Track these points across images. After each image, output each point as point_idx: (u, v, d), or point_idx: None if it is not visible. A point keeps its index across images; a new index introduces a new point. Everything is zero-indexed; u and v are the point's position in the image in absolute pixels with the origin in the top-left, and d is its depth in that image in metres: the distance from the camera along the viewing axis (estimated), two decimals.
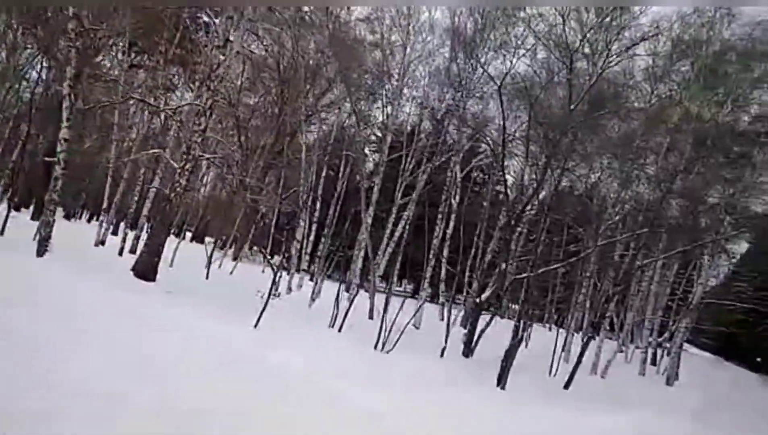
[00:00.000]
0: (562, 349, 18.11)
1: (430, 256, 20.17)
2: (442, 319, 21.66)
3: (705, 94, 20.37)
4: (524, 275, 13.63)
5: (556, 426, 7.50)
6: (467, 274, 20.74)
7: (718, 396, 20.33)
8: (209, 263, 20.67)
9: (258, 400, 5.78)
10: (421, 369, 10.39)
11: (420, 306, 14.47)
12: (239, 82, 25.90)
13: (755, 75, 21.38)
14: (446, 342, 13.59)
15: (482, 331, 14.68)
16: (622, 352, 28.62)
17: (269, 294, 11.02)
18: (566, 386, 13.03)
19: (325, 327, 13.46)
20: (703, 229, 19.04)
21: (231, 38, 12.56)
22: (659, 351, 27.93)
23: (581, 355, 13.43)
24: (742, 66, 21.03)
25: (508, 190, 16.30)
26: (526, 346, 23.07)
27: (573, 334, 21.07)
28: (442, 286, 24.35)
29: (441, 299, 25.38)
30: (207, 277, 19.67)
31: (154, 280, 13.55)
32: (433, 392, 8.22)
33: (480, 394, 9.30)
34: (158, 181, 20.01)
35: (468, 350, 14.52)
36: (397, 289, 33.74)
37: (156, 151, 15.63)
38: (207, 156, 14.01)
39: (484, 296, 14.46)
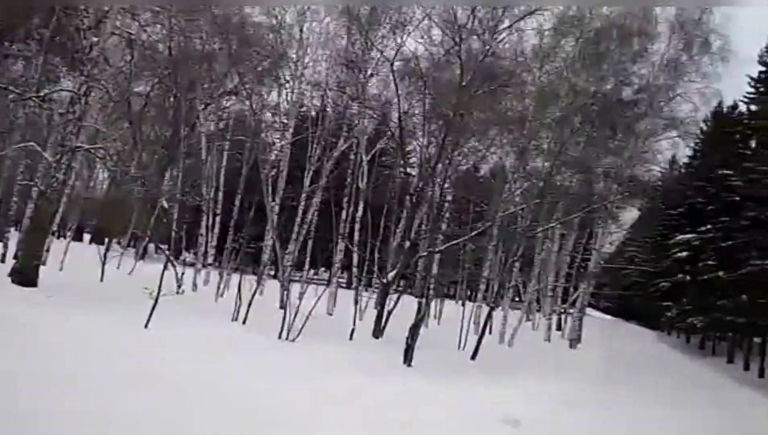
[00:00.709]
0: (469, 322, 18.39)
1: (339, 241, 19.89)
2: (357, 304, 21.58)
3: (589, 70, 21.23)
4: (424, 253, 13.63)
5: (453, 397, 7.46)
6: (377, 256, 20.65)
7: (615, 353, 21.46)
8: (104, 264, 19.37)
9: (137, 403, 5.30)
10: (326, 354, 10.13)
11: (324, 292, 14.16)
12: (129, 71, 24.33)
13: (634, 49, 22.55)
14: (354, 324, 13.42)
15: (390, 311, 14.63)
16: (529, 320, 29.83)
17: (158, 292, 10.31)
18: (473, 357, 13.21)
19: (228, 321, 12.89)
20: (596, 198, 19.99)
21: (105, 19, 11.59)
22: (564, 317, 29.27)
23: (485, 326, 13.67)
24: (622, 41, 22.10)
25: (410, 169, 16.22)
26: (439, 322, 23.52)
27: (481, 307, 21.51)
28: (355, 271, 24.19)
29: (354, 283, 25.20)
30: (102, 279, 18.42)
31: (35, 285, 12.43)
32: (336, 376, 7.97)
33: (385, 373, 9.16)
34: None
35: (378, 331, 14.41)
36: (315, 277, 33.31)
37: (26, 144, 14.27)
38: (86, 147, 12.91)
39: (390, 276, 14.34)
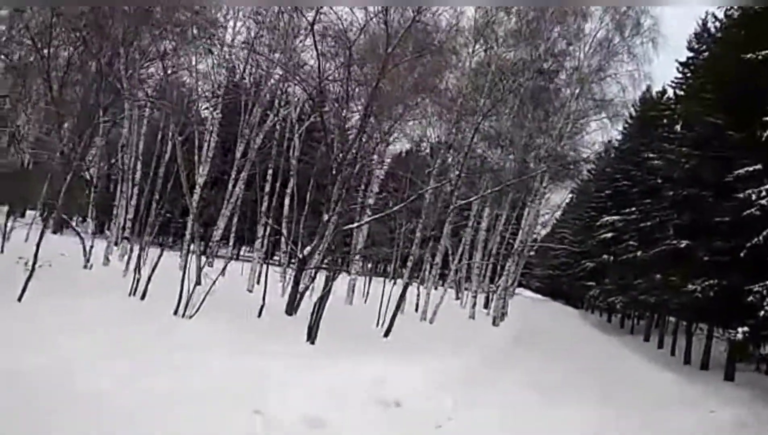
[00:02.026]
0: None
1: (261, 216, 18.95)
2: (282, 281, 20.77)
3: (524, 47, 20.90)
4: (342, 227, 12.91)
5: (338, 377, 6.82)
6: (302, 232, 19.80)
7: (533, 329, 21.48)
8: (3, 235, 17.75)
9: None
10: (217, 331, 9.28)
11: (227, 264, 13.23)
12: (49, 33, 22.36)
13: (570, 29, 22.36)
14: (264, 301, 12.61)
15: (306, 288, 13.91)
16: (458, 299, 29.76)
17: (34, 262, 9.20)
18: (386, 335, 12.66)
19: (125, 296, 11.83)
20: (523, 176, 19.75)
21: None
22: (491, 295, 29.27)
23: (399, 302, 13.10)
24: (558, 20, 21.86)
25: (335, 139, 15.40)
26: (366, 301, 22.95)
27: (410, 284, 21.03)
28: (284, 247, 23.29)
29: (279, 259, 24.32)
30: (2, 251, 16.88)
31: None
32: (211, 354, 7.17)
33: (277, 352, 8.41)
34: None
35: (291, 308, 13.64)
36: (249, 254, 32.13)
37: None
38: None
39: (306, 251, 13.55)
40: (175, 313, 10.53)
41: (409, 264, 22.12)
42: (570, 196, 39.95)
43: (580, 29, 22.49)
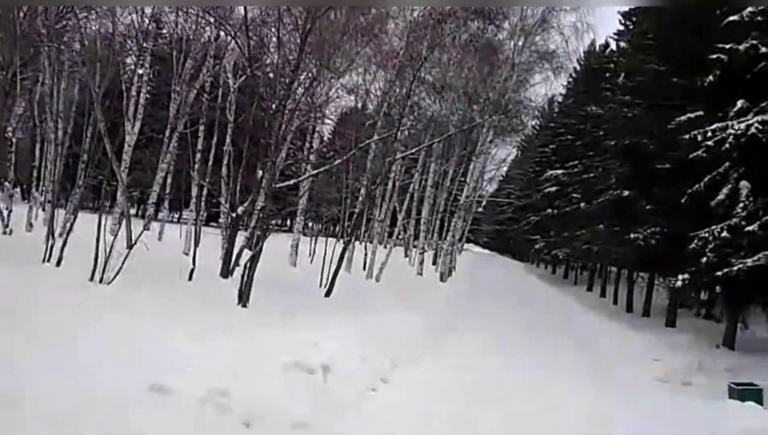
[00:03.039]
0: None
1: (195, 174, 17.72)
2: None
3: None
4: (278, 185, 12.01)
5: (260, 341, 6.10)
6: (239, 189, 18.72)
7: (477, 282, 21.31)
8: None
9: None
10: (142, 296, 8.38)
11: (158, 224, 12.22)
12: None
13: None
14: (194, 263, 11.68)
15: (242, 248, 13.05)
16: (407, 257, 29.39)
17: None
18: (327, 295, 12.00)
19: (39, 263, 10.69)
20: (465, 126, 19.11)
21: None
22: (440, 251, 29.02)
23: (340, 260, 12.41)
24: None
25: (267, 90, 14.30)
26: (312, 261, 22.19)
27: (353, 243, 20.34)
28: (224, 208, 22.11)
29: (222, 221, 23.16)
30: None
31: None
32: (133, 321, 6.30)
33: (203, 317, 7.59)
34: None
35: (226, 271, 12.76)
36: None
37: None
38: None
39: (240, 210, 12.58)
40: (91, 279, 9.54)
41: (354, 221, 21.54)
42: (515, 151, 40.05)
43: None
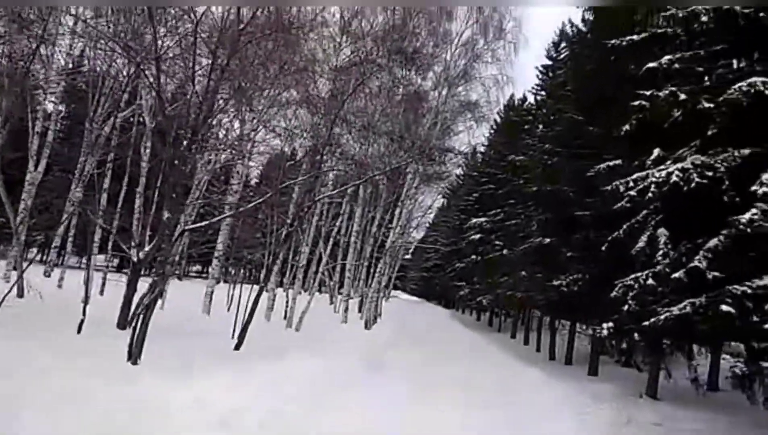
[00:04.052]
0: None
1: (99, 215, 16.17)
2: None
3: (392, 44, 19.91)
4: (186, 227, 10.91)
5: (153, 400, 5.04)
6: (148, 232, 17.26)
7: (401, 330, 20.58)
8: None
9: None
10: (17, 350, 7.05)
11: (23, 271, 10.76)
12: None
13: (439, 30, 21.72)
14: (84, 314, 10.27)
15: (143, 297, 11.69)
16: (332, 304, 28.29)
17: None
18: (237, 347, 10.82)
19: None
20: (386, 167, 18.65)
21: None
22: (365, 299, 28.12)
23: (253, 309, 11.31)
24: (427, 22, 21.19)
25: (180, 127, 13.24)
26: (229, 309, 20.75)
27: (271, 290, 19.13)
28: (134, 253, 20.37)
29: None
30: None
31: None
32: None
33: (81, 378, 6.36)
34: None
35: (124, 320, 11.36)
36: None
37: None
38: None
39: (142, 254, 11.30)
40: None
41: (276, 268, 20.39)
42: (442, 199, 40.29)
43: (446, 31, 22.07)
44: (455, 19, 21.69)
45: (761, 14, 7.41)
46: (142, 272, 11.66)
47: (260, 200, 13.83)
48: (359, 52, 16.70)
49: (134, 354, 8.19)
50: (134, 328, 8.48)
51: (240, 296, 14.03)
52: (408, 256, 56.97)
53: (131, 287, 11.62)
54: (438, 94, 22.63)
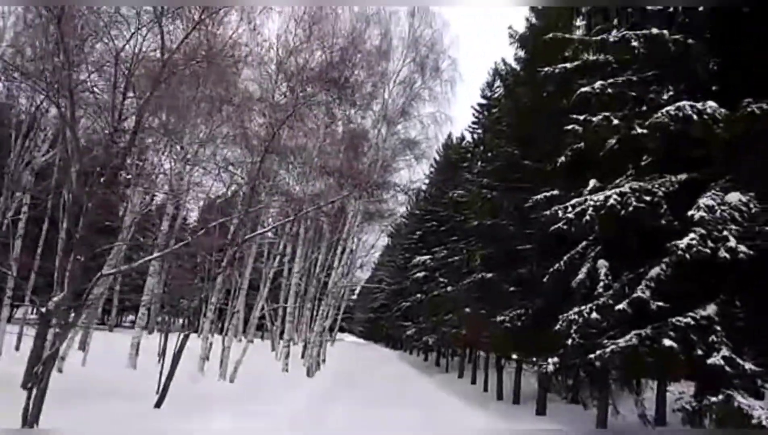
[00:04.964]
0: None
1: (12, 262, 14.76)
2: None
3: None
4: (106, 272, 9.91)
5: None
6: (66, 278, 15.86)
7: (350, 375, 19.65)
8: None
9: None
10: None
11: None
12: None
13: (376, 69, 21.61)
14: None
15: (57, 350, 10.47)
16: (274, 350, 26.96)
17: None
18: (158, 404, 9.73)
19: None
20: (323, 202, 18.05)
21: None
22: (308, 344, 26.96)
23: (175, 359, 10.28)
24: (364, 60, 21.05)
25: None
26: (160, 361, 19.31)
27: (205, 338, 17.89)
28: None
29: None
30: None
31: None
32: None
33: None
34: None
35: (29, 378, 10.07)
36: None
37: None
38: None
39: (52, 303, 10.14)
40: None
41: (211, 314, 19.18)
42: (387, 238, 39.85)
43: (384, 71, 22.04)
44: (392, 59, 21.71)
45: (690, 41, 7.40)
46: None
47: (183, 243, 12.90)
48: (295, 86, 16.26)
49: (30, 420, 7.10)
50: (29, 390, 7.39)
51: (175, 346, 12.90)
52: (354, 297, 55.89)
53: (39, 341, 10.41)
54: (377, 132, 22.44)
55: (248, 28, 16.64)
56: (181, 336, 10.70)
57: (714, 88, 7.48)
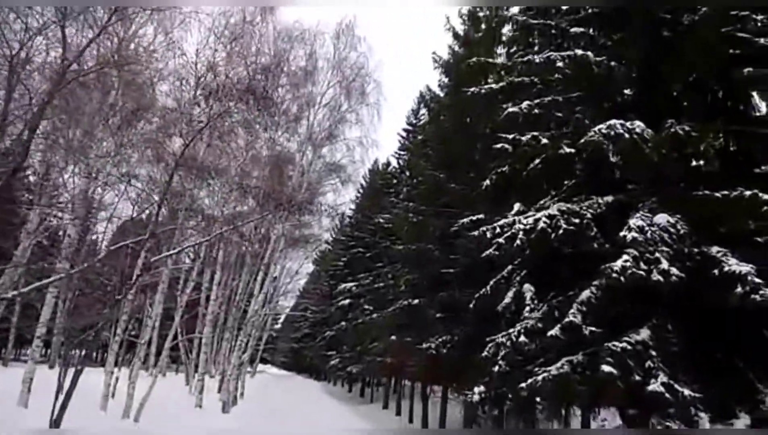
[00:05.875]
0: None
1: None
2: None
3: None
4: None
5: None
6: None
7: (269, 409, 18.52)
8: None
9: None
10: None
11: None
12: None
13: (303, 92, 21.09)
14: None
15: None
16: (188, 384, 25.17)
17: None
18: None
19: None
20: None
21: None
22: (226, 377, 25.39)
23: (67, 397, 9.04)
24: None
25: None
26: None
27: (109, 373, 16.25)
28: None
29: None
30: None
31: None
32: None
33: None
34: None
35: None
36: None
37: None
38: None
39: None
40: None
41: (116, 346, 17.51)
42: (312, 266, 38.78)
43: (309, 93, 21.53)
44: (317, 82, 21.24)
45: (612, 63, 7.36)
46: None
47: (81, 267, 11.65)
48: (213, 101, 15.40)
49: None
50: None
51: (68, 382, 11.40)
52: (278, 326, 53.95)
53: None
54: (303, 155, 21.77)
55: (165, 40, 15.76)
56: (73, 371, 9.44)
57: (638, 109, 7.46)
